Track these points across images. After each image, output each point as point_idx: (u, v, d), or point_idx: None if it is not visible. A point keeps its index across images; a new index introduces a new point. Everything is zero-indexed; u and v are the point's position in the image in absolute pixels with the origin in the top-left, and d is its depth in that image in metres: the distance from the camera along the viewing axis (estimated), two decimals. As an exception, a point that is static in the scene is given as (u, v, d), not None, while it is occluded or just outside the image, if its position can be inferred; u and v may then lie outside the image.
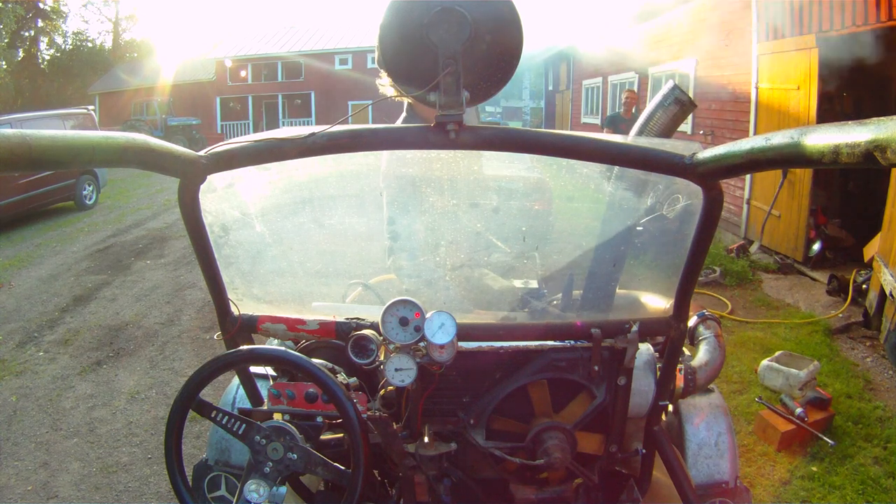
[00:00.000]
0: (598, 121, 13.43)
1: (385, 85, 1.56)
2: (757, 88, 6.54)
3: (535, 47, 17.76)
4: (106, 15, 30.82)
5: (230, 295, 1.44)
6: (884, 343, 4.22)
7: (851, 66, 5.17)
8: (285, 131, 1.20)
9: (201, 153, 1.19)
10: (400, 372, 1.23)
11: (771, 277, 5.88)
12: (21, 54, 26.24)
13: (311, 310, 1.58)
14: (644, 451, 1.53)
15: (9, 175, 8.39)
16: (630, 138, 1.52)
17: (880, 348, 4.24)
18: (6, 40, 22.05)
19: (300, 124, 20.69)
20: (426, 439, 1.34)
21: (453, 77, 1.06)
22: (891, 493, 2.78)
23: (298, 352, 1.39)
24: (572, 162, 1.42)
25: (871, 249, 4.94)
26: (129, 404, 3.83)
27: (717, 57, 7.49)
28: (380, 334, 1.29)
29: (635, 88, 10.73)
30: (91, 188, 10.88)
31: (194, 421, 3.25)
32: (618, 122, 7.07)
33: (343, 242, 1.67)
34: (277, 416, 1.31)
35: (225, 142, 1.21)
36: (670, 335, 1.41)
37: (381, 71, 1.49)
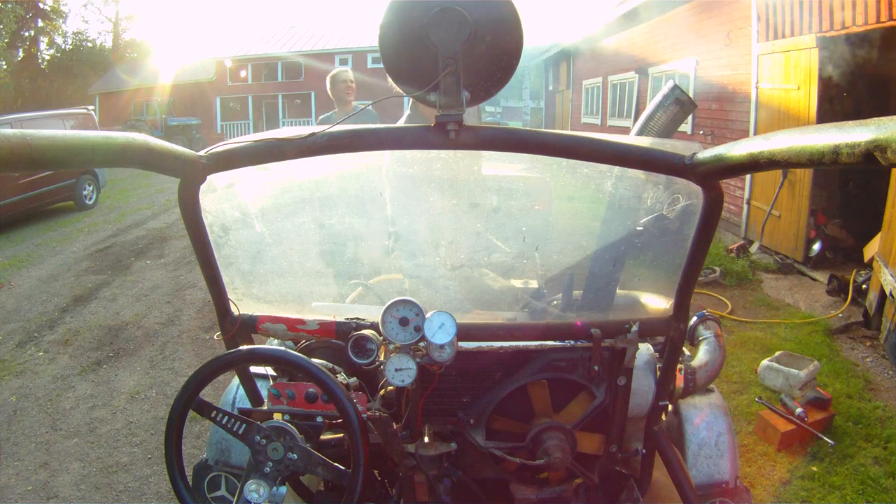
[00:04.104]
0: (597, 121, 13.32)
1: None
2: (757, 88, 6.54)
3: (536, 47, 17.76)
4: (106, 15, 30.88)
5: (230, 295, 1.44)
6: (884, 343, 4.22)
7: (851, 66, 5.17)
8: (285, 131, 1.20)
9: (201, 153, 1.19)
10: (400, 372, 1.23)
11: (771, 277, 5.87)
12: (21, 54, 26.24)
13: (311, 310, 1.58)
14: (644, 451, 1.53)
15: (9, 175, 8.40)
16: (630, 138, 1.52)
17: (880, 348, 4.24)
18: (6, 40, 22.05)
19: (300, 124, 20.67)
20: (426, 439, 1.34)
21: (453, 77, 1.06)
22: (891, 493, 2.78)
23: (298, 352, 1.39)
24: (572, 162, 1.42)
25: (871, 249, 4.93)
26: (129, 404, 3.83)
27: (717, 57, 7.49)
28: (380, 334, 1.29)
29: (635, 88, 10.69)
30: (91, 188, 10.87)
31: (194, 421, 3.25)
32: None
33: (343, 242, 1.67)
34: (277, 416, 1.31)
35: (225, 142, 1.21)
36: (670, 335, 1.41)
37: None
